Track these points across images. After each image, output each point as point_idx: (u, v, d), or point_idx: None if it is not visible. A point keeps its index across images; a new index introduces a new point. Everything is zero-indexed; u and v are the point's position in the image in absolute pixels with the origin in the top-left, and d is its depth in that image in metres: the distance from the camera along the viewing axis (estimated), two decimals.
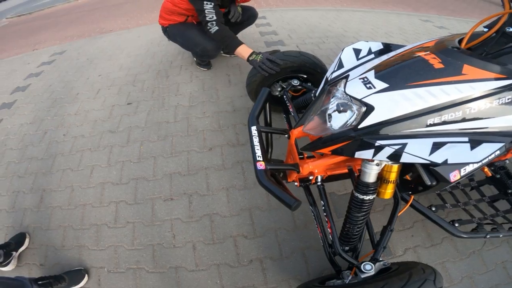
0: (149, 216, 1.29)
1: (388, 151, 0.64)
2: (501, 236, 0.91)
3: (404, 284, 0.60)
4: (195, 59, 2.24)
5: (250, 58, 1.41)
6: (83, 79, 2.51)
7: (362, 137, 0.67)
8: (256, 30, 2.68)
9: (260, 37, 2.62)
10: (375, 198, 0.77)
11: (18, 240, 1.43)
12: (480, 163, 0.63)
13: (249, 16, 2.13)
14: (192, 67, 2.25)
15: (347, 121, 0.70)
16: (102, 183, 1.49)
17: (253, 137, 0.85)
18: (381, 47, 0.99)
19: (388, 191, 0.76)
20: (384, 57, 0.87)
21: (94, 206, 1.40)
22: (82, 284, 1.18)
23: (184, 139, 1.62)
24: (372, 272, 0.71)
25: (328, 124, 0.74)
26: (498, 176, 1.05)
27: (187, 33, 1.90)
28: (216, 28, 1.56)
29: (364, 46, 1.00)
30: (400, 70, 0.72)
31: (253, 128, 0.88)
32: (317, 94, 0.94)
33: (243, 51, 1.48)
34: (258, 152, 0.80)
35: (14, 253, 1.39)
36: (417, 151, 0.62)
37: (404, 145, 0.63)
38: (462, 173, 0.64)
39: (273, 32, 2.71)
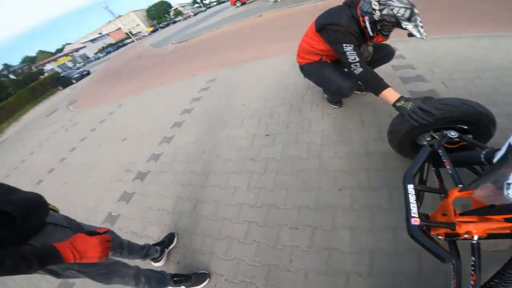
0: (274, 239, 1.47)
1: None
2: None
3: None
4: (326, 95, 2.40)
5: (398, 104, 1.36)
6: (230, 107, 3.11)
7: None
8: (388, 64, 2.67)
9: (394, 72, 2.54)
10: None
11: (169, 238, 1.70)
12: None
13: (385, 54, 2.13)
14: (323, 103, 2.44)
15: None
16: (241, 203, 1.77)
17: (409, 194, 0.91)
18: None
19: None
20: None
21: (231, 222, 1.68)
22: (202, 285, 1.38)
23: (315, 176, 1.75)
24: None
25: (505, 193, 0.72)
26: None
27: (323, 71, 2.01)
28: (361, 69, 1.58)
29: None
30: None
31: (410, 186, 0.93)
32: (497, 161, 0.88)
33: (390, 95, 1.43)
34: (414, 210, 0.87)
35: (166, 250, 1.65)
36: None
37: None
38: None
39: (409, 66, 2.56)
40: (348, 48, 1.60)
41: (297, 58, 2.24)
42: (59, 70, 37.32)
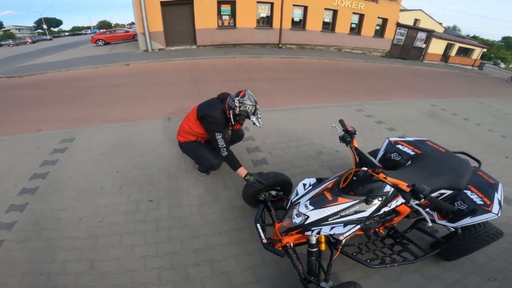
0: (184, 276, 1.87)
1: (316, 231, 1.48)
2: (396, 265, 1.80)
3: (340, 286, 1.43)
4: (197, 165, 2.95)
5: (246, 178, 2.10)
6: (103, 174, 2.97)
7: (306, 226, 1.48)
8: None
9: (241, 143, 3.54)
10: (318, 249, 1.62)
11: None
12: (349, 233, 1.46)
13: (239, 137, 3.03)
14: (195, 171, 2.99)
15: (301, 221, 1.49)
16: (144, 256, 2.00)
17: (258, 229, 1.72)
18: (315, 181, 1.81)
19: (322, 246, 1.63)
20: (314, 191, 1.67)
21: (139, 271, 1.89)
22: None
23: (200, 227, 2.25)
24: (326, 286, 1.50)
25: (293, 221, 1.54)
26: (391, 232, 2.02)
27: (200, 151, 2.61)
28: (226, 153, 2.23)
29: (308, 181, 1.81)
30: (317, 200, 1.54)
31: (258, 225, 1.76)
32: (287, 207, 1.73)
33: (242, 172, 2.17)
34: (262, 235, 1.66)
35: None
36: (325, 230, 1.46)
37: (321, 229, 1.47)
38: (343, 238, 1.46)
39: (251, 138, 3.71)
40: (219, 137, 2.23)
41: (178, 136, 2.70)
42: None
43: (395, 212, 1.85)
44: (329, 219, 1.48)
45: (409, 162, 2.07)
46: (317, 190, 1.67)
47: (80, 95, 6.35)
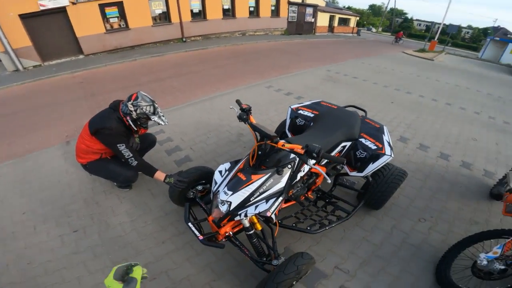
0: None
1: (243, 214, 1.47)
2: (334, 225, 1.92)
3: (289, 259, 1.41)
4: (115, 183, 2.72)
5: (166, 181, 2.03)
6: (7, 219, 2.50)
7: (233, 212, 1.48)
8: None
9: (160, 147, 3.46)
10: (255, 231, 1.62)
11: None
12: (274, 207, 1.49)
13: (150, 143, 2.84)
14: (114, 189, 2.75)
15: (226, 208, 1.50)
16: (96, 284, 1.87)
17: (191, 227, 1.62)
18: (229, 165, 1.83)
19: (258, 226, 1.64)
20: (229, 176, 1.70)
21: None
22: None
23: (141, 242, 2.16)
24: (278, 262, 1.49)
25: (221, 210, 1.52)
26: (320, 194, 2.22)
27: (108, 167, 2.38)
28: (136, 162, 2.12)
29: (223, 168, 1.83)
30: (234, 183, 1.56)
31: (190, 224, 1.64)
32: (212, 198, 1.70)
33: (159, 176, 2.09)
34: (197, 232, 1.57)
35: None
36: (251, 211, 1.47)
37: (247, 210, 1.48)
38: (270, 213, 1.47)
39: (169, 139, 3.62)
40: (122, 147, 2.08)
41: (77, 158, 2.41)
42: None
43: (314, 174, 2.06)
44: (251, 199, 1.51)
45: (312, 124, 2.30)
46: (231, 174, 1.69)
47: None
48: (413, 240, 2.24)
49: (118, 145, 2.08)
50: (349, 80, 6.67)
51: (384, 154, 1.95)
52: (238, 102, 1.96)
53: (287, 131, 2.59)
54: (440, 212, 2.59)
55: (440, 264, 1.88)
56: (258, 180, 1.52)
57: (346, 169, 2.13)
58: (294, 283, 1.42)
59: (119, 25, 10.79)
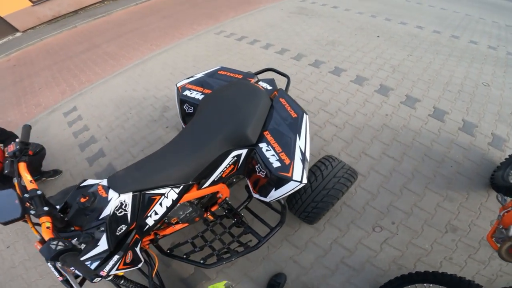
0: None
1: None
2: (234, 259, 1.36)
3: None
4: None
5: None
6: None
7: None
8: (70, 131, 2.91)
9: (75, 140, 2.86)
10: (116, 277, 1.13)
11: None
12: (108, 267, 0.95)
13: (40, 157, 2.28)
14: None
15: None
16: None
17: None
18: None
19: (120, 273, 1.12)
20: None
21: None
22: None
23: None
24: None
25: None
26: (227, 211, 1.59)
27: None
28: None
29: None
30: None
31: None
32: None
33: None
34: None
35: None
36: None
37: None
38: (106, 273, 0.95)
39: (85, 127, 2.99)
40: None
41: None
42: None
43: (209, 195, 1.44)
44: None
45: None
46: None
47: None
48: (354, 260, 1.67)
49: None
50: (327, 11, 5.11)
51: (291, 179, 1.19)
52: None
53: (181, 121, 1.85)
54: (407, 214, 1.85)
55: None
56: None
57: (250, 188, 1.46)
58: None
59: None
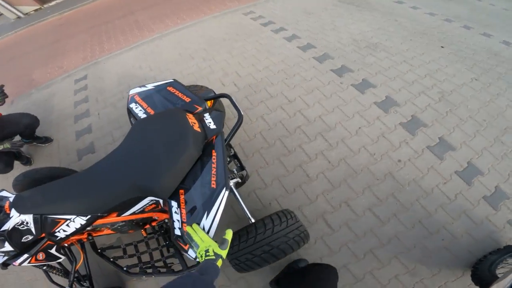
0: None
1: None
2: (154, 276, 1.42)
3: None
4: None
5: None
6: None
7: None
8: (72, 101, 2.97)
9: (73, 110, 2.89)
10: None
11: None
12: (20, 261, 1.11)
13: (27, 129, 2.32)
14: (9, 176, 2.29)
15: None
16: None
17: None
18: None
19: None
20: None
21: None
22: None
23: None
24: None
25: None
26: (163, 231, 1.56)
27: None
28: None
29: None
30: None
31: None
32: None
33: None
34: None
35: None
36: None
37: None
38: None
39: (85, 100, 3.00)
40: None
41: None
42: None
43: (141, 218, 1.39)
44: None
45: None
46: None
47: None
48: None
49: None
50: (386, 5, 3.79)
51: (186, 252, 1.06)
52: None
53: None
54: (356, 279, 1.56)
55: None
56: None
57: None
58: None
59: None
